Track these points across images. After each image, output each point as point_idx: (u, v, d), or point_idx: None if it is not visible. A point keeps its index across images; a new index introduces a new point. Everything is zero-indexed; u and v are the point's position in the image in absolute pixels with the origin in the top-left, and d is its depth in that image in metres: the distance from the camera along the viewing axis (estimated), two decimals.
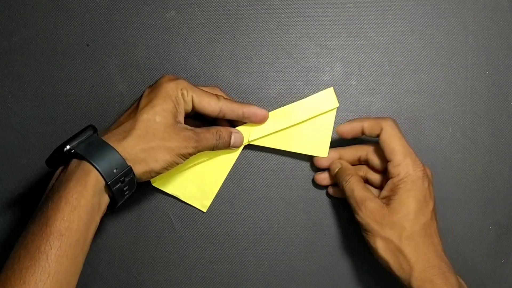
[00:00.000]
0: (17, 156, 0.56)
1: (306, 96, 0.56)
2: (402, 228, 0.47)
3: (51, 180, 0.46)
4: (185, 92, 0.48)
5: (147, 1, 0.57)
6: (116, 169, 0.44)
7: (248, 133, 0.54)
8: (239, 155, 0.55)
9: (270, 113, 0.54)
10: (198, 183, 0.56)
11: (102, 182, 0.44)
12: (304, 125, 0.55)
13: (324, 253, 0.57)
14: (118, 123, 0.47)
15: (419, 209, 0.48)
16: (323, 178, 0.55)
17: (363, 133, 0.52)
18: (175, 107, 0.48)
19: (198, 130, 0.49)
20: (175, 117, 0.47)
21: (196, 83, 0.56)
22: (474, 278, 0.57)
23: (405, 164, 0.49)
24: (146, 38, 0.56)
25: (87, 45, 0.57)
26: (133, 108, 0.48)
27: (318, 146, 0.55)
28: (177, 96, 0.48)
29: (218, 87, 0.54)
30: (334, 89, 0.54)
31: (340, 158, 0.55)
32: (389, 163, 0.50)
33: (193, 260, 0.57)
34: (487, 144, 0.57)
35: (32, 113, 0.56)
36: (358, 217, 0.50)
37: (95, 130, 0.46)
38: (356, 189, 0.51)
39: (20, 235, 0.43)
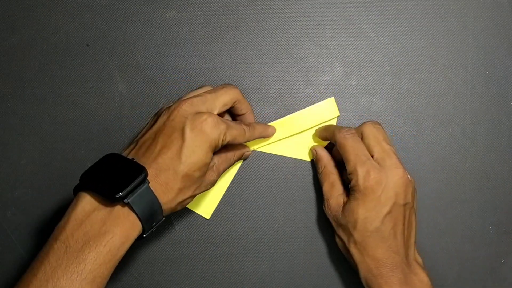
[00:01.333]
0: (17, 156, 0.56)
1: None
2: (349, 234, 0.49)
3: (77, 205, 0.43)
4: (224, 138, 0.47)
5: (147, 1, 0.57)
6: (156, 223, 0.44)
7: (253, 142, 0.55)
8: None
9: (273, 122, 0.56)
10: None
11: (140, 232, 0.44)
12: (306, 133, 0.56)
13: (324, 253, 0.57)
14: (153, 154, 0.45)
15: (366, 217, 0.48)
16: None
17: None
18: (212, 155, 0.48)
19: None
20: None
21: (196, 83, 0.56)
22: (474, 278, 0.57)
23: (355, 174, 0.48)
24: (146, 38, 0.56)
25: (87, 45, 0.57)
26: (175, 143, 0.45)
27: None
28: (218, 145, 0.47)
29: (233, 86, 0.53)
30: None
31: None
32: (346, 170, 0.50)
33: (193, 260, 0.57)
34: (487, 144, 0.57)
35: (32, 113, 0.56)
36: (324, 210, 0.52)
37: (146, 173, 0.43)
38: (326, 182, 0.53)
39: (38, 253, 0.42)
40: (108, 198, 0.42)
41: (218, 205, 0.57)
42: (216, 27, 0.57)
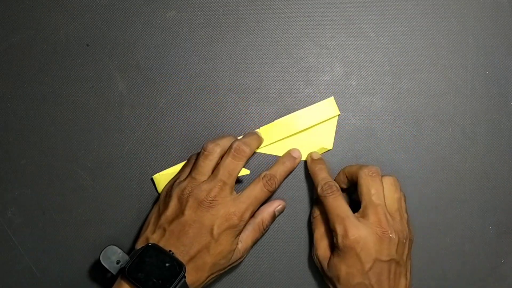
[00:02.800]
0: (17, 156, 0.56)
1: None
2: (335, 286, 0.50)
3: None
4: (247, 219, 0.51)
5: (147, 1, 0.57)
6: None
7: None
8: None
9: (273, 123, 0.56)
10: None
11: None
12: (307, 133, 0.56)
13: None
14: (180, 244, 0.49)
15: (349, 273, 0.48)
16: None
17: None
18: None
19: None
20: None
21: (196, 83, 0.56)
22: (474, 278, 0.57)
23: (334, 232, 0.49)
24: (146, 38, 0.56)
25: (87, 45, 0.57)
26: (204, 239, 0.49)
27: (320, 153, 0.57)
28: (242, 228, 0.51)
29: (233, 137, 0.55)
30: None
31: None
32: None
33: None
34: (487, 144, 0.57)
35: (32, 113, 0.56)
36: (313, 255, 0.53)
37: (185, 270, 0.47)
38: (316, 231, 0.53)
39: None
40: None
41: None
42: (216, 27, 0.57)
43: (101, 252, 0.48)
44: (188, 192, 0.50)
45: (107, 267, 0.48)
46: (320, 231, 0.53)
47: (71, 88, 0.56)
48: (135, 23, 0.57)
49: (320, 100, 0.56)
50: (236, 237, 0.50)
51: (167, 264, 0.47)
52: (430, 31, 0.57)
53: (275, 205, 0.55)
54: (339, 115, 0.57)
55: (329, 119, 0.56)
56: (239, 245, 0.51)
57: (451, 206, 0.57)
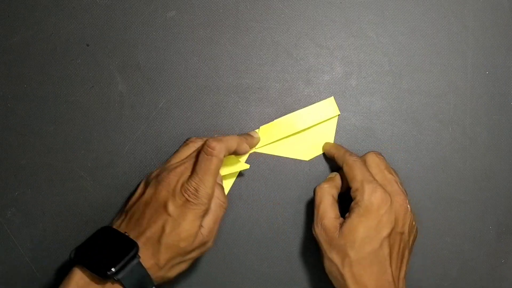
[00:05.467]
0: (17, 156, 0.56)
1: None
2: (346, 255, 0.47)
3: (71, 279, 0.44)
4: (210, 201, 0.49)
5: (147, 1, 0.57)
6: None
7: None
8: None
9: (273, 122, 0.56)
10: None
11: None
12: (307, 133, 0.56)
13: None
14: (140, 227, 0.47)
15: (366, 236, 0.47)
16: None
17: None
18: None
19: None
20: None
21: (196, 83, 0.56)
22: (474, 278, 0.57)
23: (361, 190, 0.48)
24: (146, 38, 0.56)
25: (87, 45, 0.57)
26: (160, 218, 0.46)
27: (320, 153, 0.57)
28: (206, 210, 0.48)
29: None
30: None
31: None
32: (351, 189, 0.50)
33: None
34: (487, 144, 0.57)
35: (32, 113, 0.56)
36: (313, 232, 0.50)
37: (137, 249, 0.45)
38: (323, 202, 0.51)
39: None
40: (100, 275, 0.43)
41: None
42: (216, 27, 0.57)
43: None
44: (154, 175, 0.49)
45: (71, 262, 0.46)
46: (328, 201, 0.50)
47: (71, 88, 0.56)
48: (135, 23, 0.57)
49: (320, 100, 0.56)
50: (198, 219, 0.47)
51: (118, 245, 0.45)
52: (430, 31, 0.57)
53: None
54: (339, 115, 0.57)
55: (329, 119, 0.56)
56: (202, 230, 0.48)
57: (451, 206, 0.57)
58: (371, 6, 0.57)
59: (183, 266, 0.48)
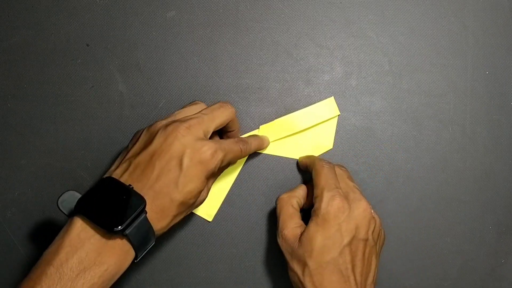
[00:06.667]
0: (17, 156, 0.56)
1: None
2: (305, 264, 0.47)
3: (71, 230, 0.42)
4: (221, 165, 0.47)
5: (147, 1, 0.57)
6: (148, 248, 0.44)
7: None
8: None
9: (273, 122, 0.56)
10: None
11: (132, 259, 0.44)
12: (307, 133, 0.56)
13: None
14: (143, 177, 0.44)
15: (324, 245, 0.46)
16: None
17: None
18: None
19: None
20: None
21: (196, 83, 0.56)
22: (474, 278, 0.57)
23: (320, 198, 0.48)
24: (146, 38, 0.56)
25: (87, 45, 0.57)
26: (172, 172, 0.44)
27: (320, 153, 0.57)
28: (214, 173, 0.47)
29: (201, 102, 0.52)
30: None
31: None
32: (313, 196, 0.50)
33: (193, 260, 0.57)
34: (487, 144, 0.57)
35: (32, 113, 0.56)
36: (278, 242, 0.50)
37: (145, 205, 0.43)
38: (282, 213, 0.51)
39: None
40: (107, 229, 0.41)
41: None
42: (216, 27, 0.57)
43: (58, 198, 0.44)
44: (161, 125, 0.46)
45: (64, 211, 0.43)
46: (287, 211, 0.50)
47: (71, 88, 0.56)
48: (135, 23, 0.57)
49: (320, 100, 0.56)
50: (206, 179, 0.46)
51: (124, 198, 0.42)
52: (430, 31, 0.57)
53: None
54: (339, 115, 0.57)
55: (329, 119, 0.56)
56: (205, 189, 0.47)
57: (451, 206, 0.57)
58: (371, 6, 0.57)
59: (178, 219, 0.47)
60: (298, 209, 0.52)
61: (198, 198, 0.46)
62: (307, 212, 0.51)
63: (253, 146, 0.53)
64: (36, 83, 0.56)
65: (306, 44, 0.57)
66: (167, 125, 0.46)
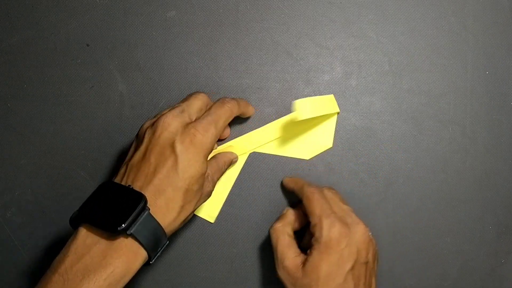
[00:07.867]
0: (17, 156, 0.56)
1: (306, 96, 0.56)
2: None
3: (77, 238, 0.41)
4: (216, 139, 0.47)
5: (147, 1, 0.57)
6: (161, 248, 0.44)
7: (251, 141, 0.55)
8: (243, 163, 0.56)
9: (273, 122, 0.55)
10: None
11: (145, 260, 0.43)
12: (307, 133, 0.56)
13: None
14: (146, 175, 0.44)
15: (330, 273, 0.46)
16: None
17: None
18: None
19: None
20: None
21: (196, 83, 0.56)
22: (474, 278, 0.57)
23: (319, 226, 0.48)
24: (146, 38, 0.56)
25: (87, 45, 0.57)
26: (168, 160, 0.44)
27: (320, 151, 0.57)
28: (211, 149, 0.47)
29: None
30: (334, 91, 0.55)
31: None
32: (310, 224, 0.49)
33: (193, 260, 0.57)
34: (487, 144, 0.57)
35: (32, 113, 0.56)
36: (277, 275, 0.50)
37: (145, 200, 0.42)
38: (279, 243, 0.50)
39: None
40: (110, 231, 0.41)
41: None
42: (216, 27, 0.57)
43: (70, 218, 0.43)
44: (147, 124, 0.47)
45: (72, 227, 0.43)
46: (284, 241, 0.50)
47: (71, 88, 0.56)
48: (135, 23, 0.57)
49: None
50: (204, 160, 0.45)
51: (124, 198, 0.42)
52: (430, 31, 0.57)
53: (235, 155, 0.54)
54: (338, 113, 0.56)
55: (329, 118, 0.56)
56: (209, 177, 0.47)
57: (451, 206, 0.57)
58: (371, 6, 0.57)
59: (189, 218, 0.46)
60: (293, 237, 0.52)
61: (203, 188, 0.46)
62: (296, 233, 0.51)
63: (240, 102, 0.52)
64: (36, 83, 0.56)
65: (306, 44, 0.57)
66: (153, 122, 0.47)
